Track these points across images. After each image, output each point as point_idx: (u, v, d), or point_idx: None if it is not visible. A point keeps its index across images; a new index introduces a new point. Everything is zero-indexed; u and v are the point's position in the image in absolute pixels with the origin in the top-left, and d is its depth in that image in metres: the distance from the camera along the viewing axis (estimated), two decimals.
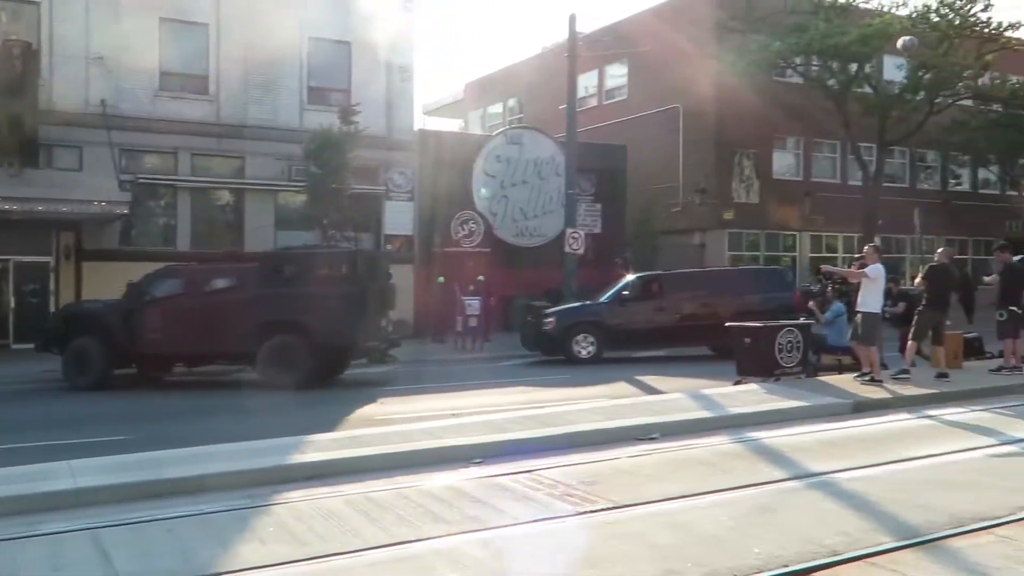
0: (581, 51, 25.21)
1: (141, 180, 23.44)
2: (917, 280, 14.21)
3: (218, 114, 24.76)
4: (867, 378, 12.73)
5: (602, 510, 6.69)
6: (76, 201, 21.10)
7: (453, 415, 11.61)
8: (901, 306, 14.12)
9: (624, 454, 8.77)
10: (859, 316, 12.92)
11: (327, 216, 22.70)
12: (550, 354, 19.68)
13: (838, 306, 14.81)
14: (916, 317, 13.33)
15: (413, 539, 6.04)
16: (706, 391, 12.64)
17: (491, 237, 27.65)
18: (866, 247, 13.89)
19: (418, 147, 27.51)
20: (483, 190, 27.85)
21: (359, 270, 15.72)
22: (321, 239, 23.05)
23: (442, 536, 6.11)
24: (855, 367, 13.52)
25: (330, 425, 10.95)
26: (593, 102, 36.30)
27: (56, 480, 7.32)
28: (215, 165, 25.08)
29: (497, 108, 43.17)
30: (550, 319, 19.63)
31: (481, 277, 24.18)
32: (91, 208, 21.40)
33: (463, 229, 27.19)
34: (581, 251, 23.77)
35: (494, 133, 31.39)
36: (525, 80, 39.96)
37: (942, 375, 12.93)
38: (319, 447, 8.70)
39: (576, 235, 23.54)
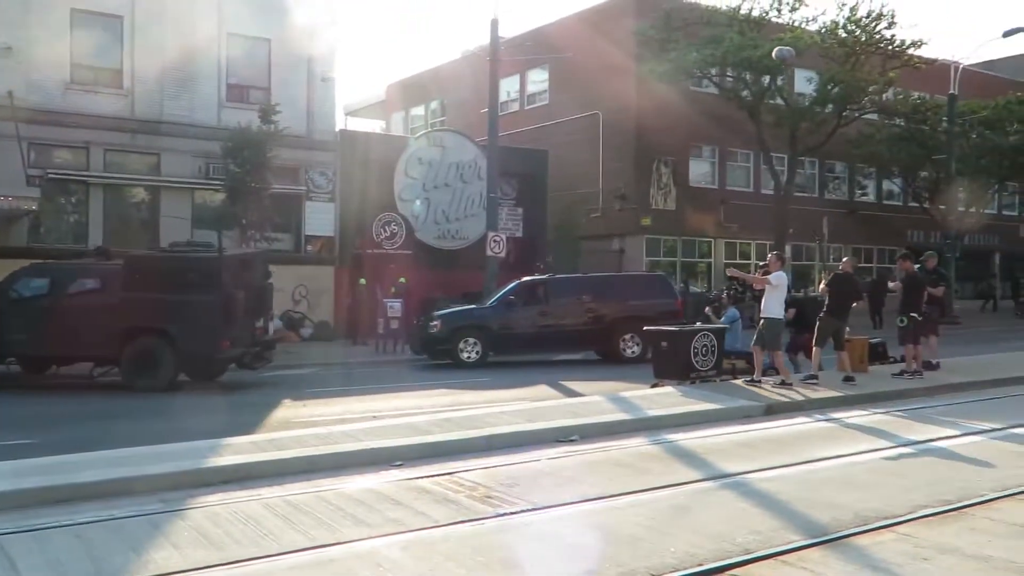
0: (503, 55, 25.33)
1: (51, 175, 22.66)
2: (821, 287, 14.67)
3: (132, 109, 24.09)
4: (770, 382, 13.14)
5: (522, 512, 6.76)
6: None
7: (374, 417, 11.56)
8: (791, 312, 14.57)
9: (544, 456, 8.88)
10: (762, 322, 13.33)
11: (246, 215, 22.30)
12: (437, 357, 19.53)
13: (732, 312, 15.35)
14: (818, 323, 13.75)
15: (332, 542, 6.01)
16: (624, 394, 12.86)
17: (413, 239, 27.55)
18: (770, 255, 14.31)
19: (340, 148, 27.26)
20: (414, 200, 27.73)
21: (224, 275, 15.25)
22: (240, 239, 22.69)
23: (362, 539, 6.10)
24: (749, 371, 13.97)
25: (248, 428, 10.79)
26: (515, 107, 36.53)
27: None
28: (129, 161, 24.39)
29: (419, 110, 43.05)
30: (435, 322, 19.54)
31: (403, 279, 24.06)
32: None
33: (385, 231, 27.01)
34: (502, 254, 23.88)
35: (416, 135, 31.30)
36: (447, 83, 39.97)
37: (848, 379, 13.41)
38: (237, 450, 8.57)
39: (498, 238, 23.64)
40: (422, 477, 7.87)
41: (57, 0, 22.84)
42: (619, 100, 31.85)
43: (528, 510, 6.80)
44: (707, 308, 16.33)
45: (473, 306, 20.66)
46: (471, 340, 19.12)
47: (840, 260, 16.31)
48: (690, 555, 5.61)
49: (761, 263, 17.81)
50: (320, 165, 26.69)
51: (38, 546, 5.86)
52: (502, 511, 6.77)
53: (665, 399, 12.11)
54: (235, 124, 22.67)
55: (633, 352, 19.25)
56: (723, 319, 15.18)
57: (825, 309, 13.76)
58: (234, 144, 22.17)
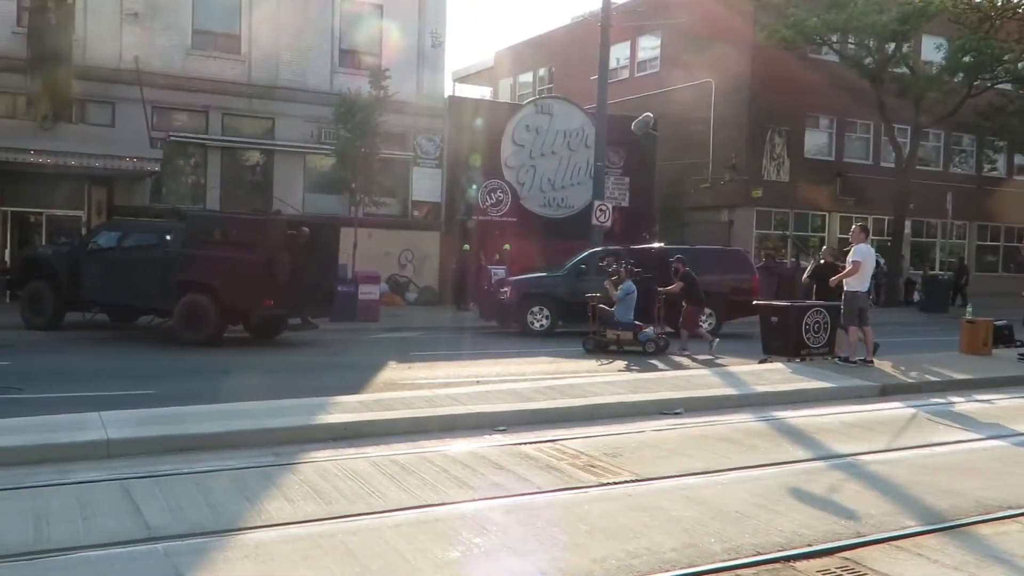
0: (615, 21, 24.94)
1: (172, 138, 23.56)
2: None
3: (249, 74, 24.76)
4: (851, 360, 12.72)
5: (624, 482, 6.71)
6: (108, 157, 21.24)
7: (477, 382, 11.66)
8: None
9: (648, 428, 8.78)
10: (844, 296, 12.82)
11: (355, 180, 22.72)
12: (505, 325, 19.39)
13: (628, 284, 16.21)
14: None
15: (437, 503, 6.09)
16: (731, 368, 12.61)
17: (518, 207, 27.59)
18: (854, 226, 13.73)
19: (448, 114, 27.41)
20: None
21: (270, 237, 15.74)
22: (349, 203, 23.15)
23: (466, 501, 6.16)
24: (633, 343, 15.42)
25: (355, 388, 11.03)
26: (625, 74, 35.96)
27: (88, 431, 7.42)
28: (245, 125, 25.12)
29: (528, 77, 42.88)
30: (506, 289, 19.41)
31: (506, 246, 24.14)
32: (123, 164, 21.54)
33: (491, 198, 27.13)
34: (608, 224, 23.67)
35: (524, 102, 31.19)
36: (557, 49, 39.64)
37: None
38: (345, 408, 8.77)
39: (604, 208, 23.43)
40: (525, 443, 7.89)
41: None
42: (733, 68, 30.98)
43: (631, 481, 6.74)
44: (606, 281, 16.78)
45: (543, 274, 20.46)
46: (541, 308, 18.90)
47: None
48: (798, 535, 5.46)
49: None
50: (428, 131, 26.92)
51: (160, 491, 6.12)
52: (605, 480, 6.73)
53: (773, 375, 11.82)
54: (346, 90, 23.04)
55: (710, 325, 18.45)
56: (619, 292, 16.03)
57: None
58: (345, 109, 22.55)
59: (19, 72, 21.34)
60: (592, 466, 7.14)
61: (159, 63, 23.38)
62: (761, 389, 10.76)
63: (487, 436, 8.24)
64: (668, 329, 16.66)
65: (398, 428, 8.27)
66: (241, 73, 24.69)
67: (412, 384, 11.70)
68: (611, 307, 16.14)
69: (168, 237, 16.18)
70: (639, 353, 15.59)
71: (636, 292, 16.26)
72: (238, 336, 16.80)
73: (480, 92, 45.10)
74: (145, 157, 21.69)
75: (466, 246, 25.00)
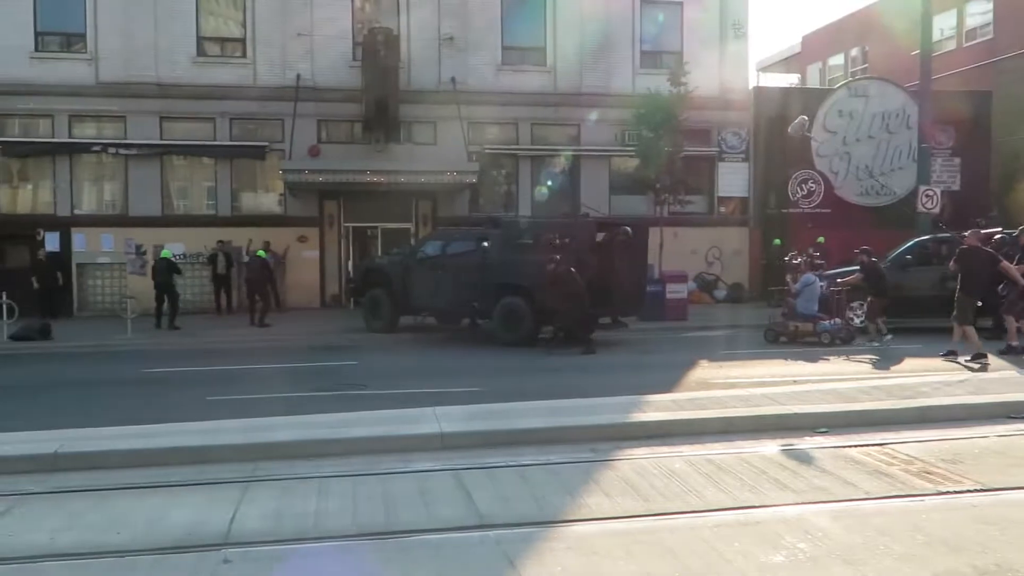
0: None
1: (487, 150, 25.03)
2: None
3: (555, 84, 25.66)
4: None
5: (967, 491, 6.13)
6: (432, 172, 23.06)
7: (794, 382, 11.21)
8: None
9: (992, 432, 7.95)
10: None
11: (659, 179, 22.75)
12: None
13: (808, 276, 16.77)
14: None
15: (757, 504, 5.93)
16: None
17: (831, 197, 26.14)
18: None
19: (752, 105, 26.64)
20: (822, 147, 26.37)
21: (579, 239, 16.31)
22: (654, 203, 23.23)
23: (788, 504, 5.95)
24: (811, 334, 16.00)
25: (667, 386, 11.05)
26: (951, 45, 32.77)
27: (424, 424, 8.10)
28: (552, 133, 26.05)
29: (838, 59, 40.44)
30: (821, 283, 18.21)
31: (821, 239, 22.97)
32: (444, 178, 23.28)
33: (801, 189, 25.98)
34: (936, 210, 21.72)
35: (835, 86, 29.51)
36: (870, 27, 37.00)
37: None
38: (658, 407, 8.81)
39: (931, 193, 21.53)
40: (849, 446, 7.46)
41: None
42: None
43: (975, 490, 6.15)
44: (787, 275, 17.60)
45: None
46: (861, 304, 17.52)
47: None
48: None
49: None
50: (733, 125, 26.33)
51: (489, 482, 6.54)
52: (944, 489, 6.19)
53: None
54: (647, 89, 23.11)
55: None
56: (798, 284, 16.63)
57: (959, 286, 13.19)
58: (646, 110, 22.65)
59: (355, 101, 23.77)
60: (928, 472, 6.59)
61: (473, 81, 24.94)
62: None
63: (807, 437, 7.89)
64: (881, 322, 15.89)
65: (713, 427, 8.16)
66: (547, 83, 25.66)
67: (725, 383, 11.50)
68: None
69: (485, 244, 17.22)
70: (817, 344, 15.86)
71: (816, 283, 16.70)
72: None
73: (787, 80, 43.30)
74: (463, 170, 23.28)
75: (777, 240, 24.10)
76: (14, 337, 17.85)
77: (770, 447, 7.53)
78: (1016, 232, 15.49)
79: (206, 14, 24.26)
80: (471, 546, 5.26)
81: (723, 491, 6.23)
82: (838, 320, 16.46)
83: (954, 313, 13.30)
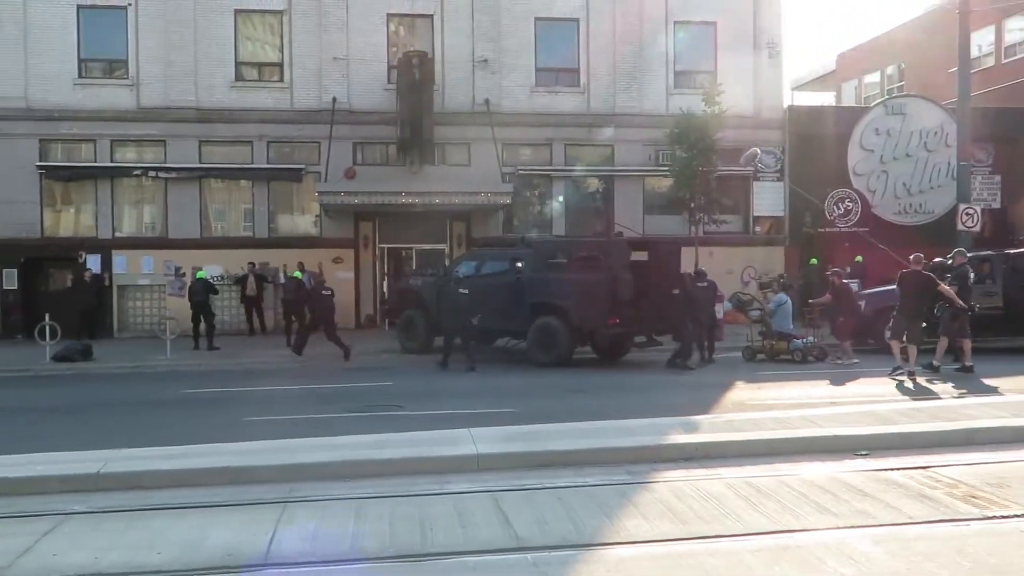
0: (975, 4, 22.61)
1: (520, 171, 25.11)
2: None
3: (588, 105, 25.71)
4: None
5: (1015, 516, 6.00)
6: (466, 193, 23.15)
7: (832, 403, 11.09)
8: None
9: None
10: None
11: (693, 199, 22.67)
12: (861, 341, 17.62)
13: (780, 296, 17.70)
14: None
15: (798, 528, 5.86)
16: None
17: (870, 216, 25.87)
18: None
19: (787, 124, 26.48)
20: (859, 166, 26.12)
21: (611, 258, 16.39)
22: (687, 222, 23.13)
23: (828, 528, 5.86)
24: (785, 352, 16.81)
25: (703, 407, 10.98)
26: (989, 62, 32.35)
27: (460, 446, 8.09)
28: (585, 154, 26.06)
29: (874, 77, 40.09)
30: (860, 302, 18.07)
31: (859, 258, 22.73)
32: (478, 199, 23.38)
33: (839, 208, 25.74)
34: (977, 229, 21.42)
35: (872, 104, 29.26)
36: (907, 44, 36.67)
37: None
38: (695, 428, 8.74)
39: (971, 211, 21.26)
40: (891, 469, 7.34)
41: (523, 11, 25.17)
42: None
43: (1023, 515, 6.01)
44: (763, 291, 18.94)
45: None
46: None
47: None
48: None
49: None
50: (767, 143, 26.16)
51: (526, 504, 6.51)
52: (990, 513, 6.07)
53: None
54: (681, 110, 23.09)
55: None
56: (771, 304, 17.58)
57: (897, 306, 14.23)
58: (680, 130, 22.62)
59: (390, 124, 23.98)
60: (973, 496, 6.47)
61: (507, 102, 25.06)
62: None
63: (847, 460, 7.77)
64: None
65: (751, 450, 8.06)
66: (580, 104, 25.71)
67: (762, 404, 11.39)
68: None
69: (519, 264, 17.24)
70: (790, 362, 16.56)
71: (788, 303, 17.50)
72: (586, 357, 17.42)
73: (821, 98, 43.03)
74: (497, 191, 23.36)
75: (813, 260, 23.88)
76: (56, 358, 18.13)
77: (810, 470, 7.43)
78: (951, 256, 16.09)
79: (244, 39, 24.68)
80: (509, 567, 5.25)
81: (763, 514, 6.16)
82: (811, 339, 17.21)
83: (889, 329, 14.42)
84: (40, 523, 6.21)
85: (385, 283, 24.92)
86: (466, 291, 16.51)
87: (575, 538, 5.75)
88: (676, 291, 16.63)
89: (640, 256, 17.25)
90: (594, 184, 26.47)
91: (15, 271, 23.59)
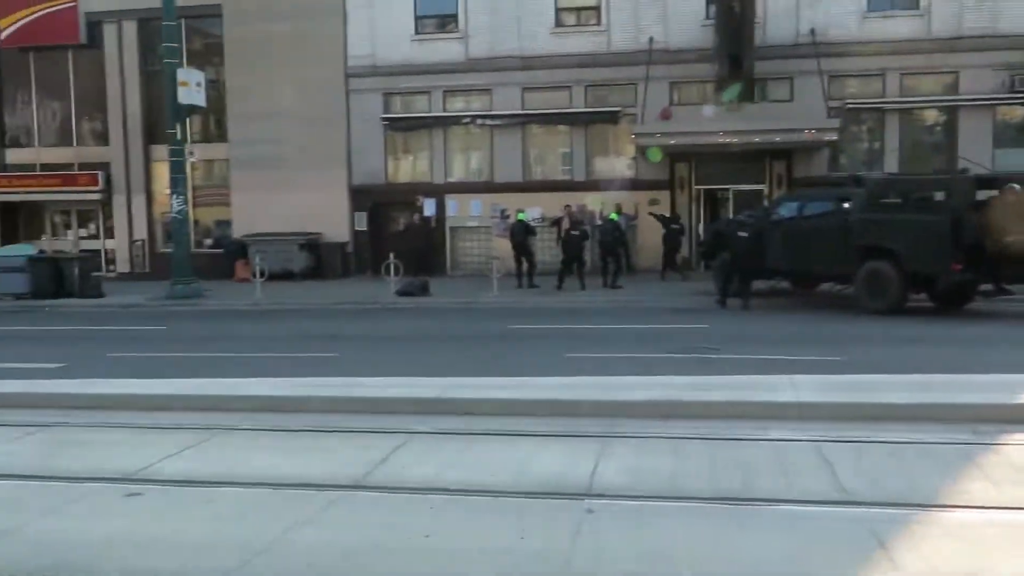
0: None
1: (848, 105, 23.49)
2: None
3: (928, 28, 23.35)
4: None
5: None
6: (787, 131, 22.12)
7: None
8: None
9: None
10: None
11: None
12: None
13: None
14: None
15: None
16: None
17: None
18: None
19: None
20: None
21: (955, 196, 14.98)
22: None
23: None
24: None
25: None
26: None
27: (780, 392, 7.86)
28: (923, 83, 23.84)
29: None
30: None
31: None
32: (801, 136, 22.27)
33: None
34: None
35: None
36: None
37: None
38: None
39: None
40: None
41: None
42: None
43: None
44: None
45: None
46: None
47: None
48: None
49: None
50: None
51: (853, 456, 6.20)
52: None
53: None
54: None
55: None
56: None
57: None
58: None
59: (707, 61, 23.39)
60: None
61: (834, 32, 23.45)
62: None
63: None
64: None
65: None
66: (920, 28, 23.42)
67: None
68: None
69: (846, 204, 16.24)
70: None
71: None
72: (922, 305, 16.12)
73: None
74: (823, 127, 22.09)
75: None
76: (399, 292, 20.05)
77: None
78: None
79: None
80: (832, 520, 5.04)
81: None
82: None
83: None
84: (392, 439, 6.94)
85: (701, 225, 24.61)
86: (745, 234, 16.47)
87: (908, 497, 5.38)
88: None
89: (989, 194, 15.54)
90: (933, 116, 24.16)
91: (364, 214, 26.27)
